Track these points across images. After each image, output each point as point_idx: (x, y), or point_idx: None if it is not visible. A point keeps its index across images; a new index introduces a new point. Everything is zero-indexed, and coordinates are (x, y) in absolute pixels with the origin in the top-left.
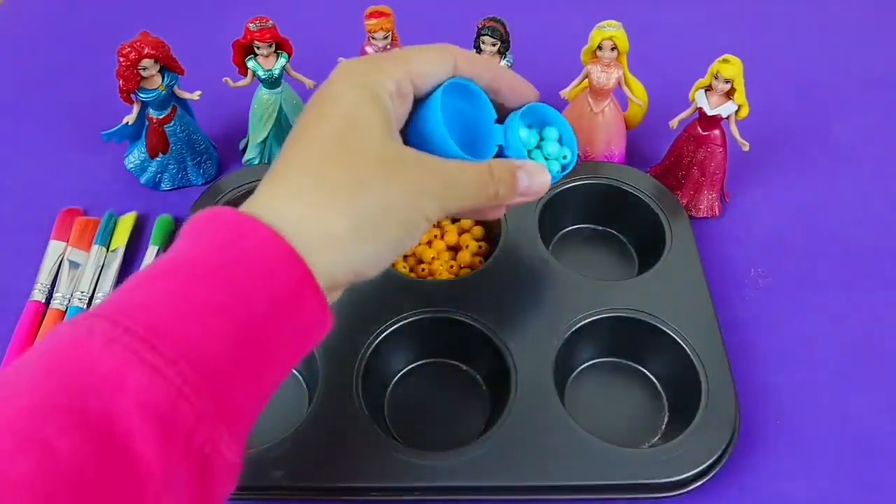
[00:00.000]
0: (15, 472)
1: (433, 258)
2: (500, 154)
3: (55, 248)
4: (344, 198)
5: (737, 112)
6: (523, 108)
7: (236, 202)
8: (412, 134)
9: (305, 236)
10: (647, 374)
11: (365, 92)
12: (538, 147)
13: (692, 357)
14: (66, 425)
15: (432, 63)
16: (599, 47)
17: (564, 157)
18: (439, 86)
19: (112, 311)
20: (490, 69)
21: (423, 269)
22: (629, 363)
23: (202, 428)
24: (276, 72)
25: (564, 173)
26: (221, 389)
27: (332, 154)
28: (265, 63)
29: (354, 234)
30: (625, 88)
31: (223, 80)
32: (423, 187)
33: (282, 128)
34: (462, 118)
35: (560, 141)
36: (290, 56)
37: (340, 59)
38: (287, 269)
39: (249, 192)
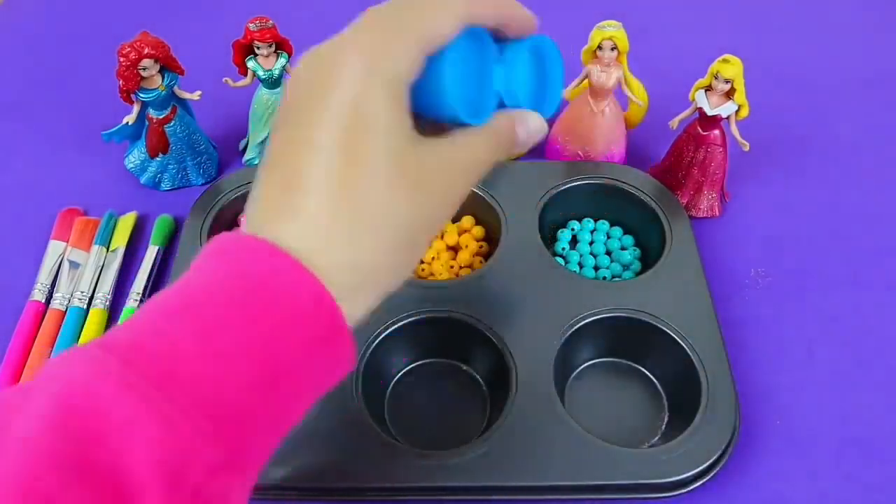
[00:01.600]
0: None
1: (433, 258)
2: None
3: (55, 248)
4: (370, 228)
5: (737, 112)
6: (527, 45)
7: (236, 202)
8: (419, 92)
9: (336, 276)
10: (647, 374)
11: (378, 84)
12: None
13: (692, 357)
14: (72, 480)
15: (447, 28)
16: (599, 47)
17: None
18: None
19: (127, 350)
20: (496, 7)
21: (422, 269)
22: (629, 363)
23: (213, 482)
24: (276, 72)
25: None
26: (240, 436)
27: (346, 168)
28: (265, 63)
29: (389, 269)
30: (625, 88)
31: (223, 80)
32: (447, 196)
33: None
34: (465, 66)
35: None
36: (290, 56)
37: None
38: (318, 313)
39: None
